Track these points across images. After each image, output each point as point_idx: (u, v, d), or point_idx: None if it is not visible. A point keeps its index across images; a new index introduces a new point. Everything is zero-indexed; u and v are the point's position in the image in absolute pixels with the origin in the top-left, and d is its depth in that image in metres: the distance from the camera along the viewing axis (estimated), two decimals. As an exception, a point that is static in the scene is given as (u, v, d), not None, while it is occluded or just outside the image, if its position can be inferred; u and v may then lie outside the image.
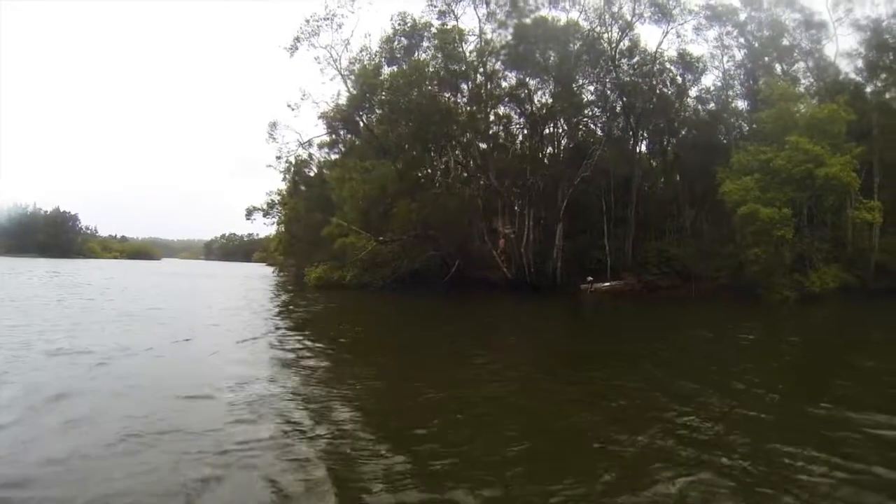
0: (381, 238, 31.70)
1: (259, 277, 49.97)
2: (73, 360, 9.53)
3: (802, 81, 33.95)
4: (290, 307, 22.93)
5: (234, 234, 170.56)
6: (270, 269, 66.01)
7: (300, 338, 13.65)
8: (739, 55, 35.38)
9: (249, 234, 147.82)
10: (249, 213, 50.92)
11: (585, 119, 37.39)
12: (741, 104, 36.34)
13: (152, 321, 15.62)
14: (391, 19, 35.22)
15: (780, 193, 25.96)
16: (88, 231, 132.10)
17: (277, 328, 15.77)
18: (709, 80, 36.89)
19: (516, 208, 34.68)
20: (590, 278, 31.65)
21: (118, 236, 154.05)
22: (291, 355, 11.10)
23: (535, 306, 26.19)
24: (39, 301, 20.05)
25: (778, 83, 30.31)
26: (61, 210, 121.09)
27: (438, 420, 6.85)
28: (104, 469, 4.92)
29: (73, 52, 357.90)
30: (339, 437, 6.10)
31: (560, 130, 37.97)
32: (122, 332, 12.96)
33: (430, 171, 37.02)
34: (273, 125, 37.60)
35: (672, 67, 36.23)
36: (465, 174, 36.86)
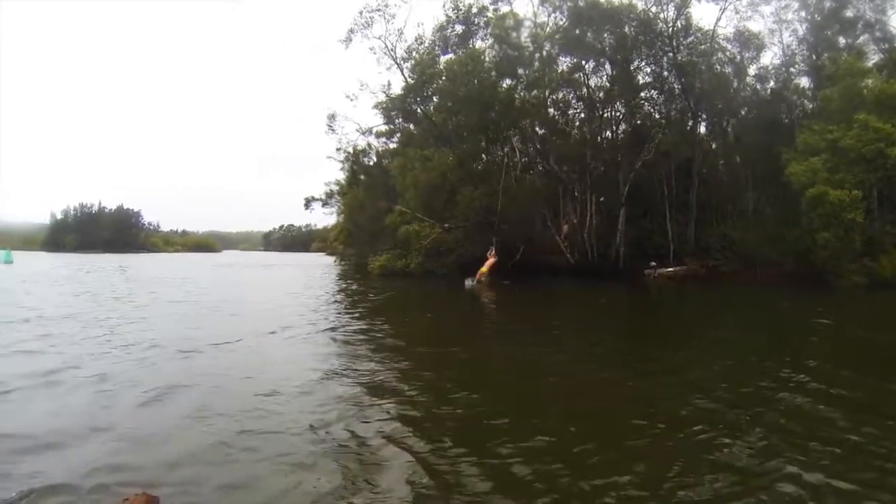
0: (445, 225, 32.17)
1: (321, 266, 51.02)
2: (171, 353, 9.86)
3: (869, 55, 32.93)
4: (363, 295, 23.34)
5: (293, 225, 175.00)
6: (330, 258, 67.28)
7: (386, 325, 14.16)
8: (801, 29, 34.23)
9: (307, 225, 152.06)
10: (308, 203, 52.68)
11: (643, 101, 36.79)
12: (804, 81, 35.18)
13: (235, 313, 16.27)
14: (444, 6, 35.35)
15: (849, 175, 25.12)
16: (151, 227, 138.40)
17: (361, 315, 16.22)
18: (768, 57, 36.00)
19: (576, 193, 34.68)
20: (653, 263, 31.48)
21: (179, 230, 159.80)
22: (390, 342, 11.55)
23: (605, 292, 25.99)
24: (130, 296, 21.01)
25: (842, 58, 29.21)
26: (125, 207, 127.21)
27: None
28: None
29: (127, 55, 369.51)
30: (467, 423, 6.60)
31: (618, 114, 37.51)
32: (213, 325, 13.49)
33: (490, 158, 37.22)
34: (332, 116, 38.70)
35: (729, 45, 35.60)
36: (526, 160, 36.96)
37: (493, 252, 30.43)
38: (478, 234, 31.70)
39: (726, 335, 13.60)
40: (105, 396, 7.08)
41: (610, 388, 8.13)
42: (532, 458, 5.23)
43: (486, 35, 35.90)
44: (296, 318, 14.93)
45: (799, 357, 10.00)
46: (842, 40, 33.23)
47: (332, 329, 13.22)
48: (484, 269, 29.36)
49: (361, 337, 12.23)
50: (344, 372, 8.76)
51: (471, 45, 35.42)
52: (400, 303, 21.20)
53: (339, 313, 16.86)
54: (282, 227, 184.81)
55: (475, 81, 32.23)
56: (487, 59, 34.59)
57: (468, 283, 27.62)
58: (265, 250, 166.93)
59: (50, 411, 6.42)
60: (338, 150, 41.42)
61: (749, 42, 34.96)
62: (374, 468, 5.05)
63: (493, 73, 33.94)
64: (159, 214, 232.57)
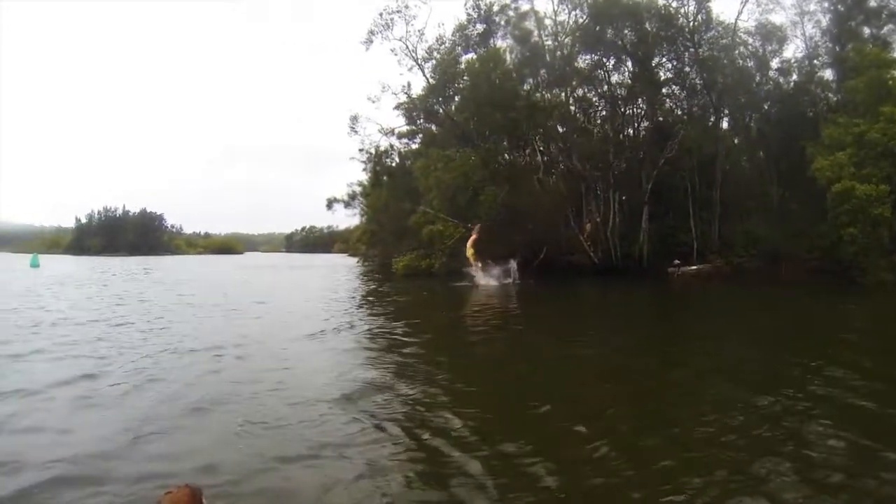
0: (468, 225, 32.15)
1: (344, 268, 51.42)
2: (214, 356, 10.13)
3: (895, 45, 32.33)
4: (387, 295, 23.61)
5: (314, 227, 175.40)
6: (352, 259, 67.82)
7: (427, 326, 14.63)
8: (824, 20, 33.63)
9: (329, 226, 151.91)
10: (330, 204, 52.94)
11: (665, 98, 36.58)
12: (828, 74, 34.40)
13: (269, 316, 16.41)
14: (465, 4, 35.49)
15: (876, 169, 24.76)
16: (174, 229, 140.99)
17: (398, 318, 16.27)
18: (790, 50, 35.36)
19: (599, 192, 34.62)
20: (676, 261, 31.28)
21: (202, 233, 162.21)
22: (443, 342, 12.03)
23: (631, 292, 26.20)
24: (159, 299, 21.54)
25: (867, 49, 28.59)
26: (147, 211, 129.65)
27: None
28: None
29: (146, 56, 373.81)
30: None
31: (640, 111, 37.32)
32: (249, 328, 13.61)
33: (512, 157, 37.21)
34: (354, 118, 39.00)
35: (750, 39, 35.21)
36: (548, 158, 36.88)
37: (477, 229, 30.49)
38: (501, 234, 31.69)
39: (770, 335, 13.54)
40: (150, 401, 7.32)
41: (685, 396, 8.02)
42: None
43: (506, 34, 36.04)
44: (337, 319, 15.26)
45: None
46: (866, 30, 32.63)
47: (370, 330, 13.64)
48: (470, 246, 29.69)
49: (402, 339, 12.45)
50: (400, 374, 9.00)
51: (492, 44, 35.57)
52: (431, 303, 21.29)
53: (374, 314, 17.16)
54: (303, 228, 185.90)
55: (496, 82, 32.38)
56: (508, 58, 34.75)
57: (482, 279, 27.88)
58: (287, 251, 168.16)
59: (93, 415, 6.73)
60: (360, 150, 41.80)
61: (771, 35, 34.49)
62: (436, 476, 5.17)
63: (514, 74, 34.02)
64: (181, 217, 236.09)
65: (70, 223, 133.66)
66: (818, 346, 11.35)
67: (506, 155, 36.87)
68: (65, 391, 7.76)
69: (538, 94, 35.31)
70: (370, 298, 22.78)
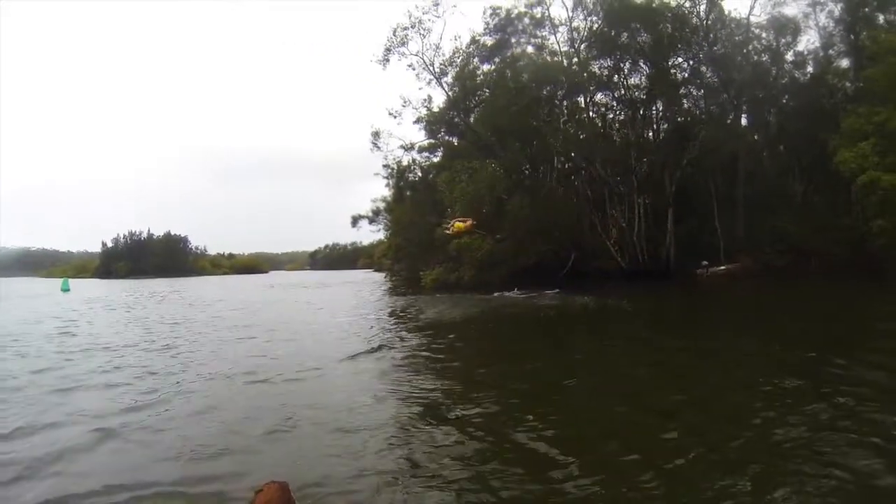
0: (497, 236, 32.51)
1: (372, 283, 51.59)
2: (258, 381, 9.96)
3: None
4: (430, 311, 22.56)
5: (338, 244, 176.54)
6: (378, 274, 67.85)
7: (478, 338, 14.87)
8: (837, 10, 33.49)
9: (353, 243, 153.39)
10: (355, 221, 53.68)
11: (683, 98, 36.73)
12: (844, 63, 34.26)
13: (313, 339, 15.57)
14: (484, 13, 36.12)
15: None
16: (198, 251, 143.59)
17: (447, 334, 15.85)
18: (804, 42, 35.44)
19: (623, 196, 34.66)
20: (704, 262, 31.36)
21: (226, 253, 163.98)
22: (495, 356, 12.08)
23: (668, 295, 26.17)
24: (190, 322, 21.46)
25: (882, 36, 28.31)
26: (172, 234, 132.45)
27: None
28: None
29: (165, 75, 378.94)
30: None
31: (657, 113, 37.58)
32: (287, 352, 13.12)
33: (536, 166, 37.52)
34: (376, 134, 39.92)
35: (764, 34, 35.33)
36: (570, 165, 37.21)
37: (469, 225, 30.69)
38: (529, 244, 32.06)
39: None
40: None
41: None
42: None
43: (522, 42, 36.83)
44: (380, 338, 15.12)
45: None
46: (881, 17, 32.52)
47: (419, 345, 13.67)
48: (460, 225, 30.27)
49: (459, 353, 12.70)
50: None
51: (508, 54, 36.24)
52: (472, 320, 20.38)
53: (412, 331, 16.68)
54: (327, 245, 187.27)
55: (515, 91, 33.12)
56: (526, 62, 35.55)
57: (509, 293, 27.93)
58: (311, 269, 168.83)
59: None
60: (385, 167, 42.61)
61: (784, 28, 34.54)
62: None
63: (533, 83, 34.52)
64: (205, 238, 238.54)
65: (96, 248, 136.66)
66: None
67: (528, 165, 37.26)
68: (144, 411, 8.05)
69: (558, 100, 35.72)
70: (412, 315, 21.69)
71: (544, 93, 35.47)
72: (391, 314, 22.34)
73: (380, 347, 13.30)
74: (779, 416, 6.69)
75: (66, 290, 52.60)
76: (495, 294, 27.51)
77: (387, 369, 10.94)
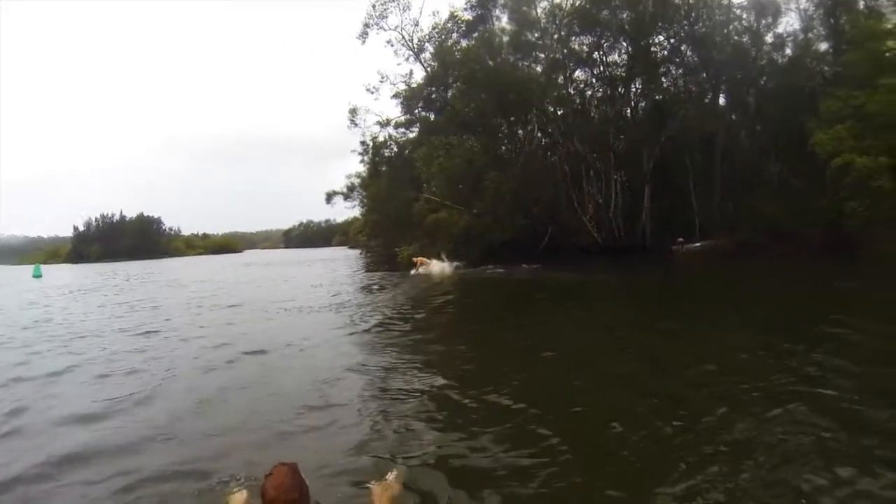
0: (474, 211, 32.36)
1: (348, 259, 51.51)
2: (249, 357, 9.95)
3: (889, 17, 32.28)
4: (407, 286, 22.85)
5: (312, 221, 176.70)
6: (353, 251, 67.91)
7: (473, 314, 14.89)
8: (817, -8, 33.67)
9: (327, 220, 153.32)
10: (329, 198, 53.29)
11: (662, 77, 36.65)
12: (823, 46, 34.38)
13: (291, 317, 15.35)
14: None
15: (877, 141, 24.56)
16: (172, 231, 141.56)
17: (438, 307, 16.16)
18: (784, 24, 35.22)
19: (601, 173, 34.63)
20: (680, 239, 31.46)
21: (199, 233, 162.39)
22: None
23: (638, 269, 26.52)
24: (170, 304, 21.41)
25: (861, 21, 28.49)
26: (145, 215, 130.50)
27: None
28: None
29: (135, 54, 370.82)
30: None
31: (637, 90, 37.38)
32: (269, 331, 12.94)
33: (514, 141, 37.32)
34: (353, 111, 39.59)
35: (744, 14, 35.26)
36: (548, 140, 37.03)
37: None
38: (506, 219, 31.90)
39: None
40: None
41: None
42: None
43: (501, 15, 36.46)
44: (360, 314, 15.06)
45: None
46: (861, 2, 32.52)
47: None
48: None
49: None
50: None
51: (489, 27, 35.81)
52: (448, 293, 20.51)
53: (392, 307, 16.58)
54: (301, 223, 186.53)
55: (490, 63, 32.62)
56: (505, 37, 35.21)
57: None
58: (286, 247, 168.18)
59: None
60: (362, 143, 42.21)
61: (765, 9, 34.44)
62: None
63: (511, 58, 34.11)
64: (178, 218, 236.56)
65: (67, 232, 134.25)
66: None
67: (506, 141, 36.94)
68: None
69: (537, 75, 35.38)
70: (395, 290, 21.73)
71: (523, 67, 35.13)
72: (367, 290, 22.33)
73: (361, 323, 13.33)
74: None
75: (38, 275, 51.51)
76: (472, 269, 27.58)
77: (371, 343, 11.00)
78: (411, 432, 5.82)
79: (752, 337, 9.74)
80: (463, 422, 6.02)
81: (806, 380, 6.84)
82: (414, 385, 7.61)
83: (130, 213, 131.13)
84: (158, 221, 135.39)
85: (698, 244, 31.62)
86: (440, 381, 7.75)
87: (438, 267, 28.33)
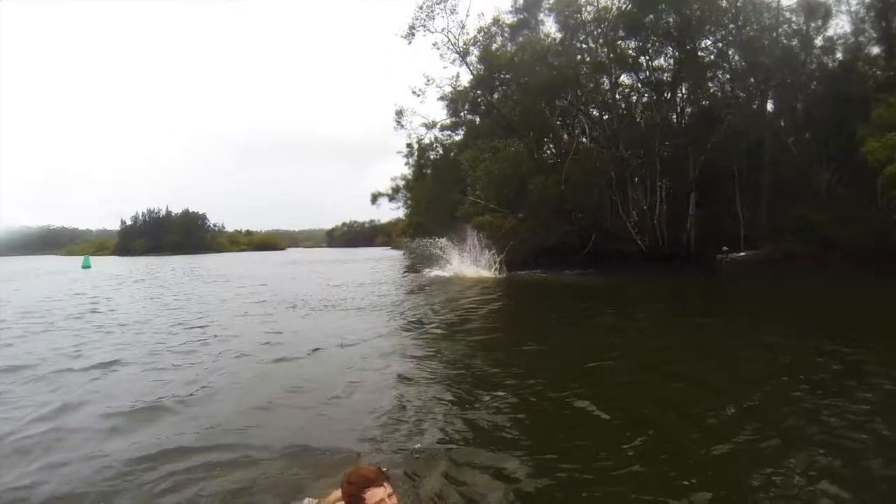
0: (519, 215, 32.63)
1: (391, 259, 51.96)
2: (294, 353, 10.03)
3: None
4: (452, 288, 22.81)
5: (356, 221, 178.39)
6: (396, 251, 68.56)
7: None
8: (869, -7, 32.83)
9: (371, 221, 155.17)
10: (375, 199, 54.37)
11: (709, 82, 36.22)
12: (875, 50, 33.28)
13: (342, 315, 15.45)
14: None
15: None
16: (216, 228, 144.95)
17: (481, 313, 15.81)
18: (835, 27, 34.47)
19: (646, 180, 34.61)
20: (725, 248, 31.17)
21: (243, 230, 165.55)
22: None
23: (684, 277, 26.47)
24: (216, 298, 21.96)
25: None
26: (190, 211, 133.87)
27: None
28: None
29: (178, 55, 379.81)
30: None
31: (683, 96, 37.10)
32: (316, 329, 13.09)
33: (559, 146, 37.44)
34: (400, 112, 40.26)
35: (793, 17, 34.65)
36: (595, 145, 36.85)
37: None
38: (552, 224, 32.15)
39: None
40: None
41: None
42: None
43: (546, 18, 37.01)
44: (406, 313, 15.23)
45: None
46: (913, 3, 31.81)
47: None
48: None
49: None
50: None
51: (535, 32, 36.22)
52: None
53: (436, 307, 16.70)
54: (344, 223, 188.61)
55: (538, 67, 32.92)
56: (552, 41, 35.57)
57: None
58: (329, 247, 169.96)
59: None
60: (408, 145, 43.07)
61: (815, 11, 33.82)
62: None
63: (556, 61, 34.30)
64: (222, 215, 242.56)
65: (115, 226, 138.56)
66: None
67: (552, 145, 37.14)
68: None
69: (583, 80, 35.53)
70: (421, 291, 22.10)
71: (570, 72, 35.09)
72: (412, 291, 22.34)
73: (408, 322, 13.45)
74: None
75: (86, 266, 53.43)
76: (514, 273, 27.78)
77: (419, 343, 11.02)
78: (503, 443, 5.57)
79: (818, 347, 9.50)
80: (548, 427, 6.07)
81: None
82: (506, 395, 7.24)
83: (176, 209, 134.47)
84: (203, 217, 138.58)
85: (743, 253, 31.27)
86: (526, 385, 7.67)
87: (473, 269, 28.60)
